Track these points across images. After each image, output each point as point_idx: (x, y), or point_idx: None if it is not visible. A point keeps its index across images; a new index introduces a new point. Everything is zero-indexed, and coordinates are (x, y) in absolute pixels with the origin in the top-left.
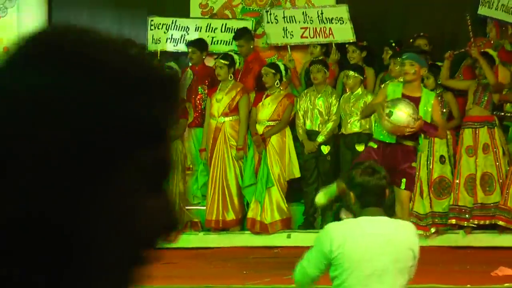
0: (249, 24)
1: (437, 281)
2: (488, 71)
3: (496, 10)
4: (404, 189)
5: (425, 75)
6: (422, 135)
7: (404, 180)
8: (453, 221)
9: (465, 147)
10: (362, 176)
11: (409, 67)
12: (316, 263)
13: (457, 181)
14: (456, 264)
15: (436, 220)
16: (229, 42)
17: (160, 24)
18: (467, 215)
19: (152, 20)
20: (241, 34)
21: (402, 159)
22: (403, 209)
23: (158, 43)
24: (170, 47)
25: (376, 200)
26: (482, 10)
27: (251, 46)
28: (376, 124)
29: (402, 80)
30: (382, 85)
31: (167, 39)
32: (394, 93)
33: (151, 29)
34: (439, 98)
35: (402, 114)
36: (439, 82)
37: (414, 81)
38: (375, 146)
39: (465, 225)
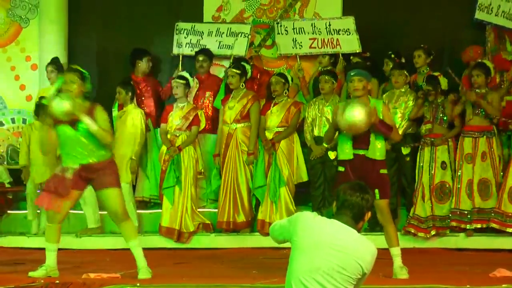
0: (247, 28)
1: (437, 281)
2: (490, 109)
3: (496, 16)
4: (380, 198)
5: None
6: (382, 143)
7: (376, 190)
8: (454, 223)
9: (465, 155)
10: (346, 192)
11: (358, 83)
12: (281, 232)
13: (458, 186)
14: (455, 266)
15: (437, 223)
16: (231, 46)
17: (182, 29)
18: (467, 218)
19: (177, 25)
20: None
21: (369, 168)
22: (383, 215)
23: (180, 47)
24: (187, 51)
25: (352, 214)
26: (480, 15)
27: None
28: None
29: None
30: (342, 104)
31: (186, 44)
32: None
33: (176, 34)
34: (441, 107)
35: (355, 110)
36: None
37: (363, 95)
38: (343, 170)
39: (467, 227)
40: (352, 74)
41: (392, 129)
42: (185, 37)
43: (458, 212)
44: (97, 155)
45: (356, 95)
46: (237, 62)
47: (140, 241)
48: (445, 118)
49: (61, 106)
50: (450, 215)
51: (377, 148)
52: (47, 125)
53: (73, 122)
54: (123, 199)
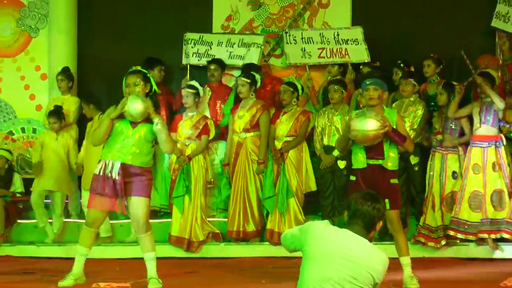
0: (260, 39)
1: None
2: (495, 96)
3: None
4: (390, 209)
5: (439, 91)
6: (394, 153)
7: (387, 200)
8: (451, 232)
9: (472, 165)
10: (358, 201)
11: (374, 92)
12: (292, 241)
13: (461, 195)
14: (466, 275)
15: (446, 232)
16: (243, 56)
17: (189, 39)
18: (463, 228)
19: (185, 35)
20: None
21: (380, 178)
22: (393, 225)
23: (188, 57)
24: (194, 61)
25: (363, 224)
26: (496, 23)
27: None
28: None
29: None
30: (352, 114)
31: (193, 53)
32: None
33: (184, 44)
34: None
35: (368, 121)
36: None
37: (377, 105)
38: (354, 179)
39: (462, 238)
40: (368, 82)
41: (406, 139)
42: (192, 47)
43: (456, 222)
44: (139, 160)
45: (371, 104)
46: (247, 71)
47: (155, 254)
48: (455, 127)
49: (135, 106)
50: (449, 223)
51: (391, 158)
52: (111, 117)
53: (135, 122)
54: (148, 211)
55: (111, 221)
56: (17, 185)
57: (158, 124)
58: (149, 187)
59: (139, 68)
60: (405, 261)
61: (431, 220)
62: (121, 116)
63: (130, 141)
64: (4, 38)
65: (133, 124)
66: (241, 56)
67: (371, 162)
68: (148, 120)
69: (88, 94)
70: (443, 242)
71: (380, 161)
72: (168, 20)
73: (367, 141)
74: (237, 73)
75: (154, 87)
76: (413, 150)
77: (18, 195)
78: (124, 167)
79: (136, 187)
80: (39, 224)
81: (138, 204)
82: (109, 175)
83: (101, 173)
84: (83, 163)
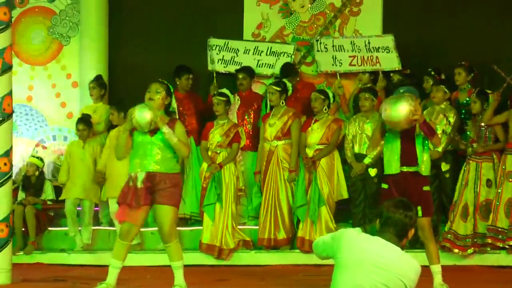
0: (291, 49)
1: None
2: None
3: None
4: (422, 216)
5: (473, 100)
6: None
7: (419, 207)
8: (489, 240)
9: (507, 172)
10: (390, 209)
11: None
12: (324, 248)
13: (497, 203)
14: (496, 283)
15: (478, 240)
16: (273, 65)
17: (214, 45)
18: (502, 236)
19: (209, 41)
20: (288, 72)
21: (413, 185)
22: (424, 233)
23: (213, 63)
24: (220, 68)
25: (395, 231)
26: None
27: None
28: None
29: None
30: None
31: (218, 60)
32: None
33: (208, 50)
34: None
35: (401, 105)
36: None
37: None
38: (387, 187)
39: (500, 246)
40: (401, 91)
41: (435, 133)
42: (217, 54)
43: (494, 229)
44: (166, 166)
45: None
46: (285, 72)
47: (182, 263)
48: (489, 135)
49: (143, 116)
50: (487, 232)
51: (424, 162)
52: (126, 130)
53: (152, 130)
54: (174, 221)
55: (142, 229)
56: (48, 193)
57: (165, 134)
58: (175, 196)
59: (165, 81)
60: (436, 269)
61: (460, 228)
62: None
63: (151, 148)
64: (36, 46)
65: (151, 132)
66: (271, 65)
67: (405, 169)
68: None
69: (118, 101)
70: (470, 251)
71: (413, 168)
72: (198, 27)
73: (397, 124)
74: (268, 81)
75: (173, 104)
76: (441, 150)
77: (49, 202)
78: (149, 176)
79: (161, 194)
80: (70, 233)
81: (161, 212)
82: (134, 185)
83: (129, 185)
84: (105, 171)
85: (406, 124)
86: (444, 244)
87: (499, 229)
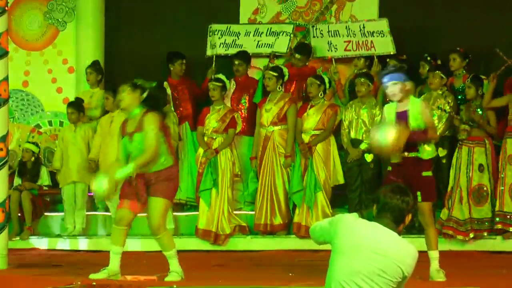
0: (290, 28)
1: (474, 284)
2: None
3: None
4: (422, 201)
5: (467, 85)
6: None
7: (419, 193)
8: (499, 226)
9: (507, 156)
10: (387, 194)
11: (394, 87)
12: (321, 234)
13: (502, 188)
14: (493, 268)
15: (474, 225)
16: (272, 44)
17: (216, 30)
18: (510, 221)
19: (210, 27)
20: (303, 50)
21: (413, 170)
22: (425, 218)
23: (214, 48)
24: (221, 51)
25: (392, 217)
26: None
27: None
28: None
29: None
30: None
31: (220, 44)
32: (389, 114)
33: (209, 35)
34: (479, 110)
35: (387, 133)
36: (480, 93)
37: (404, 98)
38: (390, 169)
39: (510, 230)
40: (385, 80)
41: (427, 132)
42: (219, 38)
43: (502, 215)
44: (155, 165)
45: (396, 99)
46: (300, 50)
47: (175, 251)
48: (483, 120)
49: (99, 186)
50: (497, 218)
51: (426, 150)
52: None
53: (130, 136)
54: (163, 214)
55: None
56: (44, 178)
57: (134, 171)
58: (169, 188)
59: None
60: (434, 255)
61: (459, 213)
62: (123, 134)
63: (136, 153)
64: (32, 32)
65: (129, 137)
66: (269, 44)
67: (405, 155)
68: (139, 129)
69: (114, 87)
70: (471, 235)
71: (414, 154)
72: (194, 13)
73: (385, 152)
74: (264, 62)
75: (145, 93)
76: (438, 138)
77: (45, 188)
78: (142, 177)
79: (154, 187)
80: (66, 225)
81: (152, 204)
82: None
83: (128, 184)
84: (97, 159)
85: (397, 150)
86: (446, 231)
87: (508, 215)
